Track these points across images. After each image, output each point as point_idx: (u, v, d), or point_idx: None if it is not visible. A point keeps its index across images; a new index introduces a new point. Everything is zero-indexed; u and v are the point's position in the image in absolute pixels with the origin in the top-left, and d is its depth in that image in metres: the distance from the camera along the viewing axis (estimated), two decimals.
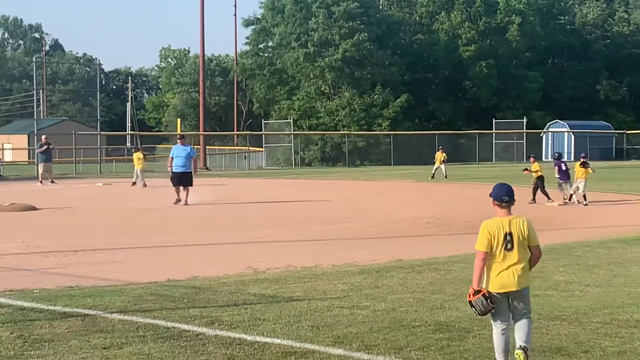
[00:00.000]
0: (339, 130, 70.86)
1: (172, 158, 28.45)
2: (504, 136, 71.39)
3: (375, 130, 70.56)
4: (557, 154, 29.46)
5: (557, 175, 27.66)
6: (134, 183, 38.68)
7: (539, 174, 27.68)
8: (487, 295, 7.47)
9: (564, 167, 27.65)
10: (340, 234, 19.33)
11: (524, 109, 77.33)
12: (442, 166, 44.21)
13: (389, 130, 69.37)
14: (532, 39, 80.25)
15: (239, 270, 13.49)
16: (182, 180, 27.96)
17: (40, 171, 42.45)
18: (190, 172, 28.27)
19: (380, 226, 21.04)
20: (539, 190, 27.51)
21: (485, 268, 7.56)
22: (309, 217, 23.68)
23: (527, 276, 7.58)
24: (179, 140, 29.63)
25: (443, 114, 78.69)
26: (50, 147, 42.47)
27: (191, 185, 28.08)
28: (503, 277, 7.49)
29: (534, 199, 27.33)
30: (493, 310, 7.54)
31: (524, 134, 70.47)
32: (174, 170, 28.12)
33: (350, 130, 70.17)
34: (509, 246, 7.48)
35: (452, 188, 34.39)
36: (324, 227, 20.80)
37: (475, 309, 7.55)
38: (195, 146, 69.08)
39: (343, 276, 12.74)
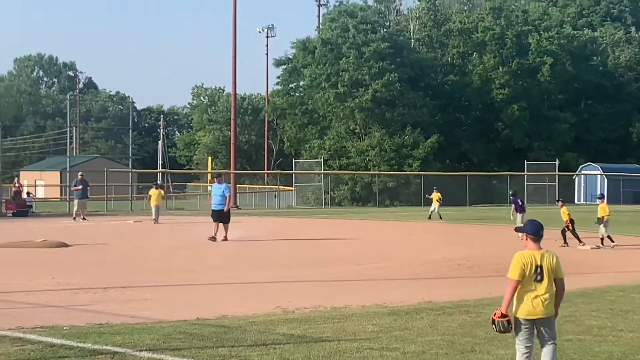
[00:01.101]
0: (369, 170, 70.86)
1: (212, 196, 30.02)
2: (536, 178, 70.93)
3: (405, 171, 70.48)
4: (512, 191, 34.38)
5: (513, 213, 31.87)
6: (156, 221, 39.14)
7: (568, 216, 27.56)
8: (509, 320, 8.22)
9: (519, 203, 31.49)
10: (370, 275, 19.24)
11: (556, 150, 76.85)
12: (436, 207, 44.06)
13: (419, 171, 69.27)
14: (564, 80, 79.89)
15: (268, 310, 13.43)
16: (220, 217, 29.11)
17: (74, 208, 42.69)
18: (228, 209, 29.42)
19: (410, 267, 20.92)
20: (568, 232, 27.36)
21: (515, 296, 8.23)
22: (338, 257, 23.61)
23: (552, 305, 8.25)
24: (215, 179, 31.14)
25: (475, 155, 78.43)
26: (87, 185, 42.83)
27: (228, 222, 29.17)
28: (531, 305, 8.16)
29: (565, 242, 27.14)
30: (513, 333, 8.31)
31: (556, 176, 70.03)
32: (212, 208, 29.46)
33: (381, 170, 70.14)
34: (539, 277, 8.16)
35: (483, 230, 34.27)
36: (354, 268, 20.71)
37: (495, 328, 8.33)
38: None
39: (373, 317, 12.66)
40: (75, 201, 42.71)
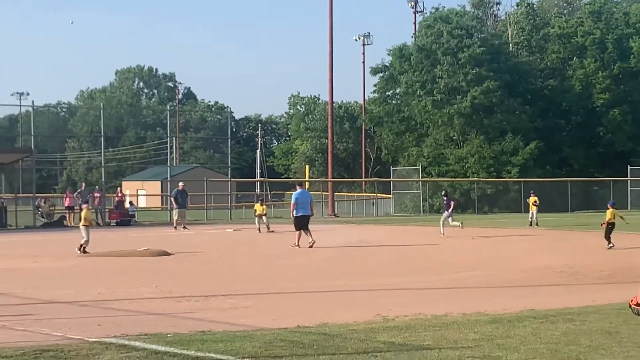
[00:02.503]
0: (468, 177, 70.35)
1: (297, 203, 29.91)
2: None
3: (504, 177, 69.78)
4: (444, 191, 39.77)
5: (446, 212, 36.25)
6: (269, 229, 39.46)
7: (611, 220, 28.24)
8: None
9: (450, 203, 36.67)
10: (471, 282, 19.07)
11: None
12: (534, 212, 43.54)
13: (518, 177, 68.50)
14: None
15: (368, 318, 13.40)
16: (306, 224, 29.66)
17: (175, 217, 43.29)
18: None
19: (510, 274, 20.68)
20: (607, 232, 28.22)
21: None
22: (437, 264, 23.48)
23: None
24: (298, 187, 31.46)
25: (575, 160, 77.15)
26: (186, 194, 43.44)
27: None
28: None
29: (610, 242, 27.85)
30: None
31: None
32: (300, 214, 29.67)
33: (479, 177, 69.58)
34: None
35: (586, 236, 33.73)
36: (454, 275, 20.57)
37: (632, 311, 10.30)
38: (323, 192, 69.96)
39: (474, 325, 12.52)
40: (175, 210, 43.32)
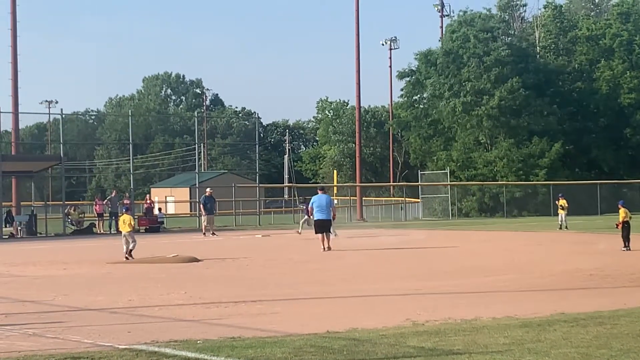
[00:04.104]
0: (497, 181, 70.15)
1: (315, 207, 30.54)
2: None
3: (532, 180, 69.53)
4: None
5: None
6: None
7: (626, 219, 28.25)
8: None
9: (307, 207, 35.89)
10: (500, 286, 18.98)
11: None
12: (563, 215, 43.32)
13: (545, 180, 68.23)
14: None
15: (397, 322, 13.37)
16: (326, 227, 30.20)
17: (204, 223, 43.44)
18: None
19: (540, 278, 20.56)
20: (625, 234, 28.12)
21: None
22: (466, 268, 23.39)
23: None
24: (319, 191, 31.66)
25: (605, 162, 76.74)
26: (214, 201, 43.61)
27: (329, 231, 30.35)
28: None
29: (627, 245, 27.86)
30: None
31: None
32: (319, 218, 30.29)
33: (508, 180, 69.35)
34: None
35: (616, 239, 33.43)
36: (483, 279, 20.49)
37: None
38: (351, 197, 70.00)
39: (504, 329, 12.45)
40: (203, 217, 43.49)
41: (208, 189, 44.46)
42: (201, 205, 43.95)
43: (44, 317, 14.58)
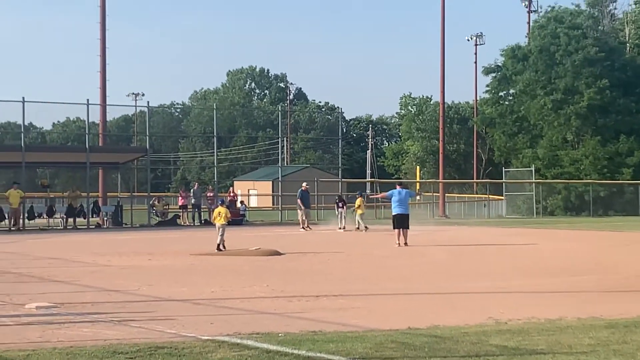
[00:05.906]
0: (582, 179, 69.17)
1: (394, 202, 30.61)
2: None
3: (618, 179, 68.38)
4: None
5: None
6: (358, 228, 41.01)
7: None
8: None
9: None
10: (585, 286, 18.68)
11: None
12: None
13: (631, 179, 67.05)
14: None
15: (480, 320, 13.24)
16: (405, 222, 30.16)
17: (302, 218, 43.75)
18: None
19: (627, 279, 20.18)
20: None
21: None
22: (550, 267, 23.09)
23: None
24: (397, 186, 31.69)
25: None
26: (309, 194, 44.28)
27: (408, 227, 30.28)
28: None
29: None
30: None
31: None
32: (398, 212, 30.33)
33: (592, 179, 68.33)
34: None
35: None
36: (567, 279, 20.19)
37: None
38: (434, 193, 69.64)
39: (589, 330, 12.25)
40: (300, 211, 43.99)
41: (304, 183, 44.91)
42: (299, 200, 44.21)
43: (129, 307, 14.79)
